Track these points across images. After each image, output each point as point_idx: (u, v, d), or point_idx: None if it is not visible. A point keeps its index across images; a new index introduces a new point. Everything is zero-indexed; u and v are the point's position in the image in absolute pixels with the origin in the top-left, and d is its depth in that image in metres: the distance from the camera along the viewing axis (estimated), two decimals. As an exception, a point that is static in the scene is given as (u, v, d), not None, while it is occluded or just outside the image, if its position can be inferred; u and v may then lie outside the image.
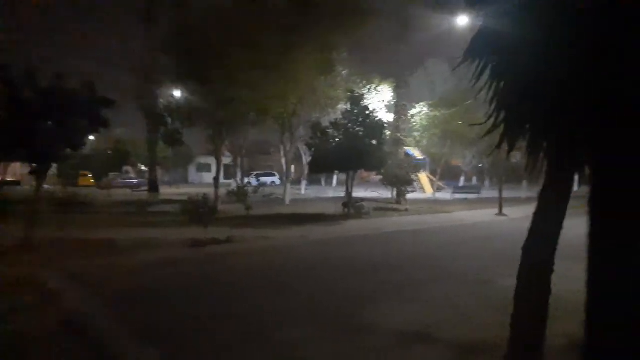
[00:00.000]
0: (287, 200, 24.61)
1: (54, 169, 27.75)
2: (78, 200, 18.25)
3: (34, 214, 10.36)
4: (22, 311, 5.92)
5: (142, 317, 5.67)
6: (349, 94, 18.04)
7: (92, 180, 43.75)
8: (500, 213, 18.73)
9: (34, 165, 10.25)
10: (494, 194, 22.88)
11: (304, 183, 37.72)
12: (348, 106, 17.90)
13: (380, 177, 26.93)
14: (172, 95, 23.02)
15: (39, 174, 10.34)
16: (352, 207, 17.95)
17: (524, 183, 29.07)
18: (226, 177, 41.18)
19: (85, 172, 44.51)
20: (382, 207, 20.91)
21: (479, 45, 2.59)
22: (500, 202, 19.05)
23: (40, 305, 6.24)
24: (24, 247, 9.57)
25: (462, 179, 43.41)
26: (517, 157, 18.69)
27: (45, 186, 12.99)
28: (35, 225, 10.09)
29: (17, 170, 38.69)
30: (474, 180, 47.57)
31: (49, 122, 10.02)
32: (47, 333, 5.21)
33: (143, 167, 47.15)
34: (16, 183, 38.18)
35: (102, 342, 4.92)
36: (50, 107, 9.52)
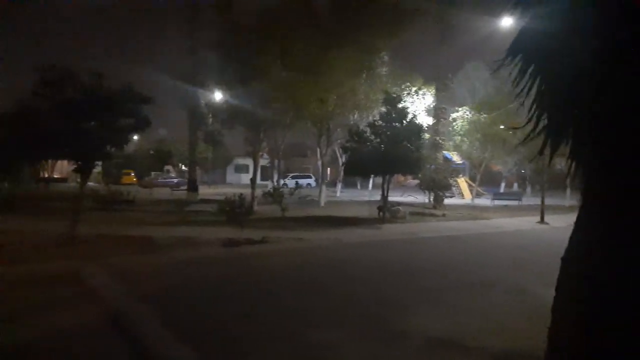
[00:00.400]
0: (322, 203, 24.63)
1: (98, 167, 28.80)
2: (120, 198, 18.84)
3: (78, 211, 10.75)
4: (62, 304, 6.13)
5: (176, 315, 5.76)
6: (385, 96, 17.84)
7: (135, 179, 45.21)
8: (542, 221, 18.13)
9: (79, 163, 10.62)
10: (536, 201, 22.21)
11: (339, 185, 37.68)
12: (384, 108, 17.74)
13: (417, 181, 26.62)
14: (213, 97, 23.48)
15: (84, 172, 10.72)
16: (387, 211, 17.77)
17: (568, 190, 28.04)
18: (263, 179, 41.63)
19: (129, 171, 46.06)
20: (418, 212, 20.62)
21: (521, 45, 2.49)
22: (542, 210, 18.45)
23: (79, 299, 6.45)
24: (68, 243, 9.94)
25: (503, 184, 42.33)
26: (561, 163, 18.10)
27: (90, 184, 13.47)
28: (78, 222, 10.47)
29: (63, 167, 40.35)
30: (515, 187, 46.35)
31: (93, 122, 10.39)
32: (85, 326, 5.38)
33: (183, 167, 48.34)
34: (63, 180, 39.84)
35: (137, 336, 5.03)
36: (93, 106, 9.85)
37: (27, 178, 36.02)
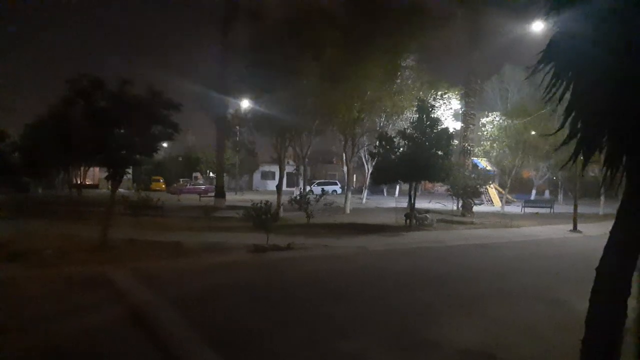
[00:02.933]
0: (348, 209, 24.54)
1: (129, 174, 29.45)
2: (150, 204, 19.17)
3: (109, 216, 10.99)
4: (92, 307, 6.26)
5: (204, 319, 5.81)
6: (418, 103, 17.67)
7: (163, 185, 46.03)
8: (575, 229, 17.61)
9: (110, 170, 10.86)
10: (568, 209, 21.59)
11: (365, 192, 37.50)
12: (415, 115, 17.57)
13: (445, 188, 26.23)
14: (241, 105, 23.75)
15: (115, 179, 10.96)
16: (415, 219, 17.57)
17: (602, 198, 27.19)
18: (289, 185, 41.80)
19: (158, 177, 46.95)
20: (446, 219, 20.31)
21: (555, 50, 2.42)
22: (575, 218, 17.92)
23: (109, 302, 6.57)
24: (99, 247, 10.16)
25: (534, 192, 41.39)
26: (595, 170, 17.55)
27: (121, 190, 13.77)
28: (110, 227, 10.69)
29: (95, 174, 41.40)
30: (547, 194, 45.22)
31: (123, 130, 10.62)
32: (114, 329, 5.47)
33: (211, 174, 48.98)
34: (94, 186, 40.88)
35: (165, 340, 5.09)
36: (123, 113, 10.07)
37: (61, 184, 37.17)
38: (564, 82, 2.36)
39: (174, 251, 10.63)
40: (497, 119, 29.05)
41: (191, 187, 43.91)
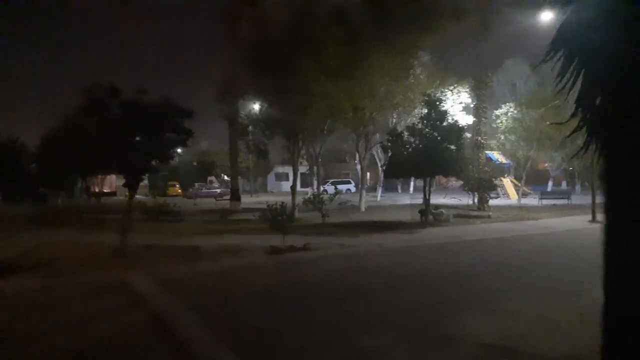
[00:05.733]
0: (363, 208, 24.52)
1: (145, 180, 29.82)
2: (166, 210, 19.40)
3: (127, 223, 11.15)
4: (112, 313, 6.36)
5: (222, 322, 5.86)
6: (425, 98, 17.63)
7: (179, 190, 46.49)
8: (594, 220, 17.36)
9: (127, 177, 11.03)
10: (586, 199, 21.31)
11: (379, 190, 37.42)
12: (425, 110, 17.52)
13: (460, 182, 26.06)
14: (252, 107, 23.88)
15: (132, 186, 11.12)
16: (430, 214, 17.50)
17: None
18: (303, 186, 41.91)
19: (174, 183, 47.46)
20: (462, 214, 20.18)
21: (564, 39, 2.41)
22: (594, 208, 17.67)
23: (129, 307, 6.67)
24: (118, 253, 10.32)
25: (550, 183, 40.89)
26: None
27: (138, 196, 13.95)
28: (128, 233, 10.85)
29: (113, 182, 41.98)
30: (563, 185, 44.65)
31: (138, 137, 10.77)
32: (134, 334, 5.56)
33: (225, 177, 49.35)
34: (112, 194, 41.46)
35: (184, 343, 5.16)
36: (138, 122, 10.22)
37: (80, 192, 37.76)
38: (573, 71, 2.35)
39: (192, 255, 10.75)
40: (512, 110, 28.72)
41: (206, 191, 44.28)
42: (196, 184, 46.69)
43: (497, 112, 29.61)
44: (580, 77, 2.34)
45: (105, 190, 38.57)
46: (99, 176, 32.16)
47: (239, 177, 32.62)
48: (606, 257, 2.39)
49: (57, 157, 24.33)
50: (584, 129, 2.37)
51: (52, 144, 26.40)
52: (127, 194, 11.86)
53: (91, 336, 5.44)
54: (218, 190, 43.05)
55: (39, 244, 11.85)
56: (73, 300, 7.06)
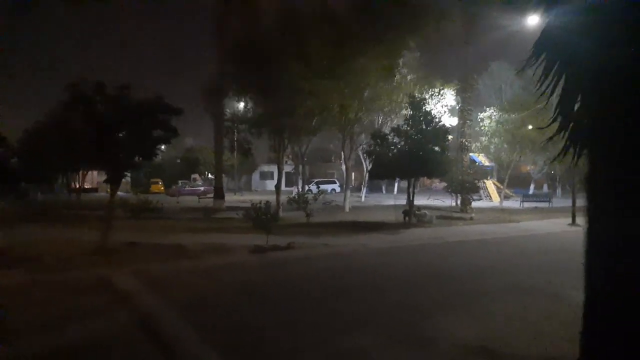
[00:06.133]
0: (347, 208, 24.58)
1: (127, 176, 29.48)
2: (149, 207, 19.19)
3: (110, 220, 11.01)
4: (95, 312, 6.28)
5: (207, 321, 5.84)
6: (410, 99, 17.76)
7: (162, 188, 46.03)
8: (574, 223, 17.67)
9: (109, 173, 10.89)
10: (567, 202, 21.65)
11: (364, 190, 37.54)
12: (410, 111, 17.65)
13: (443, 184, 26.29)
14: (238, 105, 23.76)
15: (114, 182, 10.98)
16: (414, 215, 17.62)
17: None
18: (288, 185, 41.80)
19: (157, 180, 46.95)
20: (445, 216, 20.36)
21: (546, 43, 2.45)
22: (574, 212, 17.98)
23: (112, 306, 6.59)
24: (100, 251, 10.19)
25: (532, 186, 41.46)
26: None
27: (120, 193, 13.79)
28: (110, 230, 10.72)
29: (94, 178, 41.39)
30: (545, 188, 45.32)
31: (122, 133, 10.65)
32: (117, 333, 5.50)
33: (210, 175, 49.02)
34: (93, 190, 40.87)
35: (169, 342, 5.12)
36: (123, 118, 10.10)
37: (60, 189, 37.15)
38: (554, 75, 2.40)
39: (175, 253, 10.66)
40: (495, 113, 29.08)
41: (190, 188, 43.91)
42: (180, 182, 46.29)
43: (481, 115, 29.94)
44: (561, 81, 2.39)
45: (86, 186, 38.01)
46: (80, 172, 31.65)
47: (224, 175, 32.47)
48: (587, 260, 2.44)
49: (40, 152, 23.90)
50: (564, 132, 2.42)
51: (35, 138, 25.92)
52: (108, 190, 11.71)
53: (72, 336, 5.36)
54: (202, 188, 42.69)
55: (19, 241, 11.64)
56: (54, 298, 6.94)
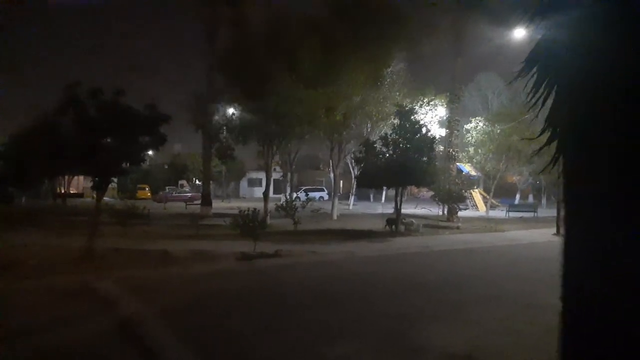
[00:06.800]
0: (335, 215, 24.59)
1: (114, 182, 29.17)
2: (135, 213, 18.98)
3: (95, 226, 10.87)
4: (79, 318, 6.18)
5: (192, 328, 5.78)
6: (397, 108, 17.91)
7: (149, 194, 45.59)
8: (558, 233, 17.86)
9: (96, 179, 10.77)
10: (552, 212, 21.91)
11: (352, 198, 37.60)
12: (397, 121, 17.78)
13: (431, 193, 26.45)
14: (226, 113, 23.71)
15: (100, 188, 10.86)
16: (401, 224, 17.68)
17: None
18: (276, 192, 41.70)
19: (144, 186, 46.51)
20: (432, 225, 20.47)
21: (538, 56, 2.49)
22: (558, 222, 18.19)
23: (96, 313, 6.49)
24: (85, 257, 10.04)
25: (518, 196, 41.87)
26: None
27: (106, 198, 13.64)
28: (95, 236, 10.58)
29: (80, 183, 40.86)
30: (530, 199, 45.80)
31: (111, 139, 10.56)
32: (101, 340, 5.42)
33: (197, 181, 48.68)
34: (79, 195, 40.31)
35: (154, 350, 5.05)
36: (112, 124, 10.02)
37: (45, 194, 36.61)
38: (545, 88, 2.43)
39: (161, 260, 10.55)
40: (481, 124, 29.41)
41: (177, 194, 43.56)
42: (167, 188, 45.88)
43: (467, 126, 30.25)
44: (552, 94, 2.42)
45: (71, 192, 37.51)
46: (66, 177, 31.21)
47: (211, 182, 32.29)
48: (565, 271, 2.48)
49: (26, 156, 23.53)
50: (552, 145, 2.45)
51: (22, 142, 25.53)
52: (94, 195, 11.58)
53: (56, 343, 5.27)
54: (189, 195, 42.36)
55: (4, 246, 11.43)
56: (37, 305, 6.82)
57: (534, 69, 2.47)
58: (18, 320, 6.04)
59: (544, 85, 2.43)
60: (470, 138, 29.84)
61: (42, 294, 7.44)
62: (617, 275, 2.25)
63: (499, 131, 27.49)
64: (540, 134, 2.54)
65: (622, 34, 2.06)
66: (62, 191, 32.42)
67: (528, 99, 2.49)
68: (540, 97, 2.44)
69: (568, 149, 2.41)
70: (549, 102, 2.45)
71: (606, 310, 2.24)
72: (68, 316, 6.22)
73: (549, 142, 2.47)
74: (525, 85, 2.51)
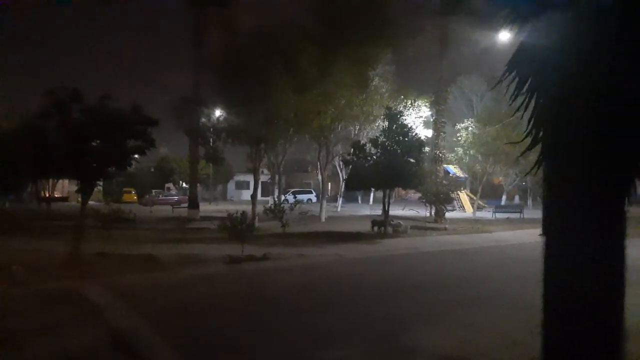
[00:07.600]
0: (323, 218, 24.59)
1: (99, 186, 28.82)
2: (121, 217, 18.78)
3: (81, 230, 10.74)
4: (65, 324, 6.10)
5: (180, 334, 5.74)
6: (386, 111, 17.99)
7: (135, 197, 45.14)
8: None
9: (81, 183, 10.64)
10: (538, 213, 22.11)
11: (340, 200, 37.63)
12: (386, 123, 17.86)
13: (418, 195, 26.58)
14: (214, 115, 23.61)
15: (85, 192, 10.73)
16: (389, 226, 17.74)
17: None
18: (264, 194, 41.59)
19: (129, 189, 46.04)
20: (420, 226, 20.57)
21: (519, 60, 2.53)
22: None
23: (83, 319, 6.42)
24: (71, 262, 9.91)
25: (504, 197, 42.26)
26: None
27: (91, 202, 13.49)
28: (81, 241, 10.45)
29: (64, 186, 40.32)
30: (516, 199, 46.26)
31: (96, 142, 10.44)
32: (88, 346, 5.35)
33: (184, 184, 48.33)
34: (64, 199, 39.75)
35: (142, 356, 5.01)
36: (99, 127, 9.92)
37: (29, 197, 36.05)
38: (527, 91, 2.47)
39: (148, 264, 10.45)
40: (472, 125, 29.60)
41: (164, 198, 43.21)
42: (153, 191, 45.48)
43: (459, 126, 30.44)
44: (534, 97, 2.46)
45: (56, 195, 37.00)
46: (50, 180, 30.77)
47: (199, 185, 32.08)
48: (545, 271, 2.55)
49: (9, 159, 23.15)
50: (537, 146, 2.49)
51: (4, 145, 25.10)
52: (79, 199, 11.44)
53: (41, 349, 5.19)
54: (175, 198, 42.05)
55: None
56: (21, 311, 6.72)
57: (515, 73, 2.52)
58: (0, 328, 5.94)
59: (525, 89, 2.47)
60: (460, 138, 29.99)
61: (26, 299, 7.33)
62: (594, 274, 2.30)
63: (487, 133, 27.68)
64: (525, 137, 2.58)
65: (597, 38, 2.11)
66: (47, 195, 31.97)
67: (510, 103, 2.53)
68: (523, 101, 2.48)
69: (546, 152, 2.46)
70: (532, 104, 2.49)
71: (584, 306, 2.31)
72: (52, 323, 6.13)
73: (531, 146, 2.51)
74: (507, 90, 2.55)
